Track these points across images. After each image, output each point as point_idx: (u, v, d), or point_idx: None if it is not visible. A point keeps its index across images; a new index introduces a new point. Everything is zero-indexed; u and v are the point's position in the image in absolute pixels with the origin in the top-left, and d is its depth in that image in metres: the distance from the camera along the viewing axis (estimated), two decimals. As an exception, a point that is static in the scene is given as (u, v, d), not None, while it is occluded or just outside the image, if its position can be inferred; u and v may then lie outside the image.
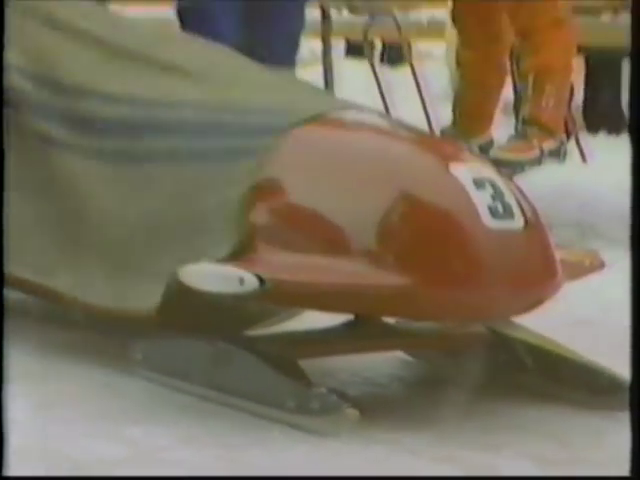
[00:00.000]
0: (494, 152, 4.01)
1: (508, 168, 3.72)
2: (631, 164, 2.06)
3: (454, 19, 4.40)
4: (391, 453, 2.19)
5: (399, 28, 3.52)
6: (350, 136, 2.63)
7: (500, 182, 2.39)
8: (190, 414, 2.34)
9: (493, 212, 2.33)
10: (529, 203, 2.44)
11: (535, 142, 3.98)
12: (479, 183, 2.35)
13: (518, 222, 2.35)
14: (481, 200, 2.33)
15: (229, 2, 3.57)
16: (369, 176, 2.45)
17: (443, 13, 4.41)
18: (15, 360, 2.05)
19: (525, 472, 2.14)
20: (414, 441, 2.25)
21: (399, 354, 2.80)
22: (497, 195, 2.36)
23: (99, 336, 2.72)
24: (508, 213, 2.35)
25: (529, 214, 2.39)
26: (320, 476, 2.05)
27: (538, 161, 3.96)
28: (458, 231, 2.36)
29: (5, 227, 2.34)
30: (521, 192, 2.48)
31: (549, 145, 4.01)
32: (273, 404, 2.33)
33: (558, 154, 4.01)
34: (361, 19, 4.13)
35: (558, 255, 2.46)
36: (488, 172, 2.42)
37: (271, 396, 2.35)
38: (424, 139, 2.81)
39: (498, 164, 3.45)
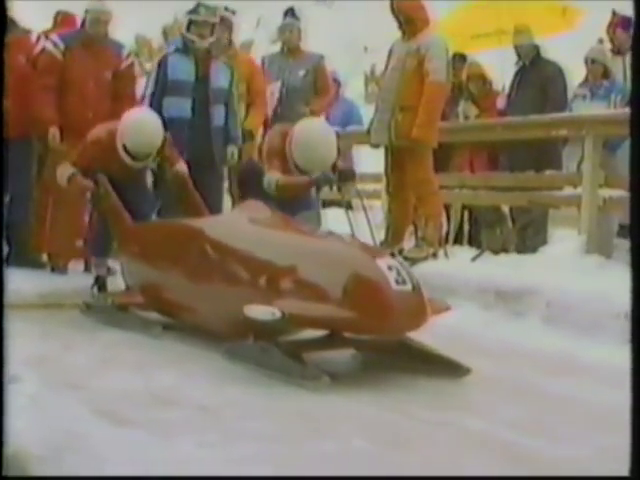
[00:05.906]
0: (405, 253, 5.90)
1: (410, 261, 5.66)
2: (631, 163, 2.19)
3: (387, 189, 6.43)
4: (349, 399, 3.36)
5: (360, 195, 5.25)
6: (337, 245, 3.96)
7: (400, 267, 3.66)
8: (248, 380, 3.63)
9: (397, 281, 3.58)
10: (414, 277, 3.67)
11: (424, 249, 5.93)
12: (390, 267, 3.62)
13: (409, 286, 3.60)
14: (391, 276, 3.58)
15: None
16: (340, 264, 3.67)
17: (380, 186, 6.81)
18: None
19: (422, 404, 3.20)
20: (360, 393, 3.42)
21: (352, 351, 4.06)
22: (399, 273, 3.60)
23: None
24: (404, 282, 3.60)
25: (414, 282, 3.63)
26: (324, 476, 2.59)
27: (425, 259, 5.86)
28: (379, 290, 3.57)
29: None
30: (410, 271, 3.70)
31: (431, 251, 5.94)
32: (289, 374, 3.59)
33: (435, 256, 5.96)
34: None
35: (427, 303, 3.67)
36: (394, 262, 3.70)
37: (288, 370, 3.61)
38: (366, 247, 4.08)
39: (406, 259, 5.30)
